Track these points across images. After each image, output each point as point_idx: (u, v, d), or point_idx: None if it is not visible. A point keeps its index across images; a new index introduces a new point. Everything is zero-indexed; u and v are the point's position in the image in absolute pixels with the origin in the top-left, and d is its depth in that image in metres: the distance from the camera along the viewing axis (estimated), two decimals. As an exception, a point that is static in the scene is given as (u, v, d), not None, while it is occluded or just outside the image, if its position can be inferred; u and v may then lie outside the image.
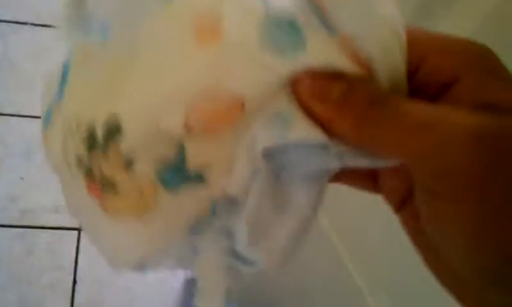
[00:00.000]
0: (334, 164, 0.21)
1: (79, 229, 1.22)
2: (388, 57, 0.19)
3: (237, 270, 0.26)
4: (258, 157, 0.21)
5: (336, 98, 0.20)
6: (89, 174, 0.22)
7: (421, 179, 0.19)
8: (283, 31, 0.20)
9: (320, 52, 0.20)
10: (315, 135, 0.20)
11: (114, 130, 0.21)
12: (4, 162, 1.27)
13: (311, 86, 0.20)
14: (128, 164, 0.21)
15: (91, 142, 0.22)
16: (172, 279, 1.22)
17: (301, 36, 0.20)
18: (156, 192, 0.22)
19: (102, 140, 0.21)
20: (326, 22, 0.19)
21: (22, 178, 1.26)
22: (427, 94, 0.20)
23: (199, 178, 0.22)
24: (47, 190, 1.25)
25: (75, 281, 1.18)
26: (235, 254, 0.25)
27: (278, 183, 0.23)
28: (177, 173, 0.22)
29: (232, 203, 0.23)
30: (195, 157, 0.21)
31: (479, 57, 0.19)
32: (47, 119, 0.25)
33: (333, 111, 0.20)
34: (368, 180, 0.25)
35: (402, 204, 0.23)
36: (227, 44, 0.20)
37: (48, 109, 0.25)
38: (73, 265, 1.20)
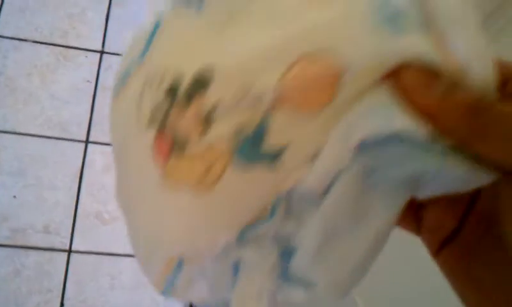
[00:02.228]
0: (430, 166, 0.20)
1: (69, 251, 1.20)
2: (480, 68, 0.19)
3: (286, 298, 0.23)
4: (351, 150, 0.19)
5: (444, 89, 0.19)
6: (162, 128, 0.21)
7: None
8: (390, 15, 0.20)
9: (420, 44, 0.19)
10: (420, 126, 0.19)
11: (203, 82, 0.20)
12: (-3, 179, 1.25)
13: (419, 75, 0.20)
14: (208, 123, 0.20)
15: (173, 94, 0.21)
16: None
17: (404, 25, 0.20)
18: (227, 163, 0.20)
19: (186, 92, 0.20)
20: (429, 24, 0.20)
21: (14, 197, 1.24)
22: None
23: (274, 159, 0.20)
24: (39, 210, 1.23)
25: (62, 304, 1.16)
26: (285, 276, 0.22)
27: (363, 189, 0.20)
28: (254, 146, 0.20)
29: (292, 209, 0.21)
30: (277, 132, 0.20)
31: None
32: (123, 80, 0.24)
33: (442, 102, 0.19)
34: (409, 217, 0.25)
35: (445, 243, 0.23)
36: (336, 9, 0.20)
37: (126, 71, 0.24)
38: (61, 287, 1.17)
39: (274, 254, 0.22)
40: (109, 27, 1.50)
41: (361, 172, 0.20)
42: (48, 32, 1.44)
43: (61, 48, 1.43)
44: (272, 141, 0.20)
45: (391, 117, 0.19)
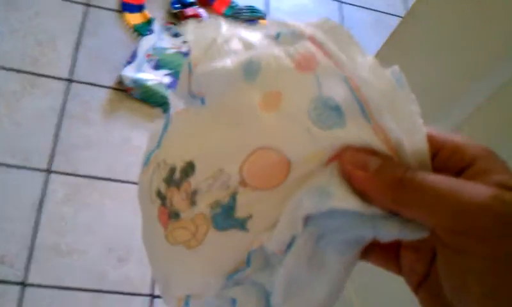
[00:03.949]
0: (368, 232, 0.24)
1: (22, 284, 1.15)
2: (414, 142, 0.24)
3: None
4: (300, 221, 0.25)
5: (375, 167, 0.24)
6: (163, 202, 0.29)
7: (446, 237, 0.22)
8: (328, 110, 0.25)
9: (356, 132, 0.25)
10: (353, 202, 0.24)
11: (189, 171, 0.28)
12: (-50, 206, 1.19)
13: (353, 157, 0.25)
14: (193, 201, 0.28)
15: (170, 178, 0.29)
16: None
17: (343, 118, 0.25)
18: (208, 229, 0.27)
19: (178, 178, 0.28)
20: (365, 113, 0.25)
21: (-33, 225, 1.18)
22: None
23: (242, 226, 0.27)
24: (-7, 240, 1.18)
25: (12, 341, 1.10)
26: None
27: (316, 248, 0.26)
28: (226, 216, 0.27)
29: (266, 259, 0.28)
30: (242, 207, 0.27)
31: (486, 149, 0.24)
32: (146, 161, 0.32)
33: (372, 178, 0.24)
34: (391, 260, 0.28)
35: (420, 284, 0.26)
36: (283, 111, 0.26)
37: (148, 154, 0.32)
38: (12, 322, 1.11)
39: (257, 294, 0.29)
40: (78, 56, 1.48)
41: (312, 236, 0.26)
42: (17, 59, 1.42)
43: (28, 75, 1.40)
44: (239, 213, 0.27)
45: (329, 194, 0.24)
